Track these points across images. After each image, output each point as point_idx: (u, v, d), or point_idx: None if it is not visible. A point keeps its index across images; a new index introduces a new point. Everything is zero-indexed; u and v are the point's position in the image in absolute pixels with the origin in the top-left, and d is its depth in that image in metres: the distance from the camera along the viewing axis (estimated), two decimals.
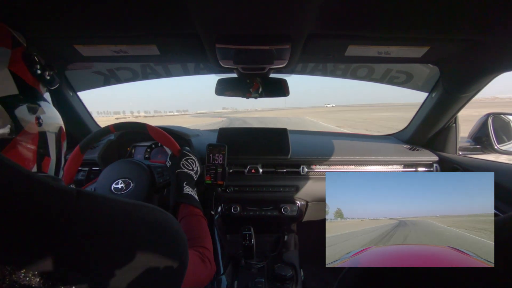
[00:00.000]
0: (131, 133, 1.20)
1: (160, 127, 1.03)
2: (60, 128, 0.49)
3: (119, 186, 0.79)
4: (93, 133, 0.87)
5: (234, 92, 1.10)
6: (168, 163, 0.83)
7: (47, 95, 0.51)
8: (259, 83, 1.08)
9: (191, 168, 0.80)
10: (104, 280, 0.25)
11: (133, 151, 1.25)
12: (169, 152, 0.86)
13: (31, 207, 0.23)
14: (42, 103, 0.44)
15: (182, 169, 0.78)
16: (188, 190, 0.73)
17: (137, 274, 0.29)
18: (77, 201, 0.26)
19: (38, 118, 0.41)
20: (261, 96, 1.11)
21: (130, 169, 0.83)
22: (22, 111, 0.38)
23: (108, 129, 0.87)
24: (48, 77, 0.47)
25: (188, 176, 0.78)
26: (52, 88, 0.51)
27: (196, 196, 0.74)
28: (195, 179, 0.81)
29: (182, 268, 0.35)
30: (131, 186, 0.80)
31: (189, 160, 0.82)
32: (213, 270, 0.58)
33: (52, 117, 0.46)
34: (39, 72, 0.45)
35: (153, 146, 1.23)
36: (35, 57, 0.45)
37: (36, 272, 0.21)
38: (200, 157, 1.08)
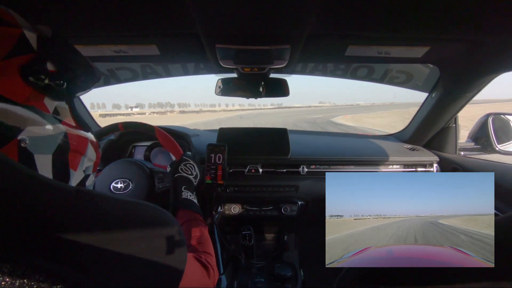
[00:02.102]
0: (133, 133, 1.20)
1: (161, 127, 1.03)
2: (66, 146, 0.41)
3: (118, 185, 0.80)
4: (103, 128, 0.88)
5: (234, 92, 1.11)
6: (169, 169, 0.82)
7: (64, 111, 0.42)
8: (259, 83, 1.08)
9: (190, 173, 0.78)
10: (102, 278, 0.25)
11: (133, 151, 1.25)
12: (173, 157, 0.86)
13: (30, 205, 0.23)
14: (35, 122, 0.36)
15: (181, 173, 0.76)
16: (186, 194, 0.70)
17: (136, 272, 0.29)
18: (76, 199, 0.26)
19: (20, 141, 0.34)
20: (261, 96, 1.11)
21: (132, 170, 0.83)
22: None
23: (116, 126, 0.86)
24: (58, 85, 0.39)
25: (186, 180, 0.75)
26: (72, 96, 0.43)
27: (195, 201, 0.71)
28: (195, 184, 0.79)
29: (180, 267, 0.35)
30: (130, 187, 0.80)
31: (187, 165, 0.79)
32: (216, 276, 0.55)
33: (54, 135, 0.39)
34: (45, 82, 0.37)
35: (153, 146, 1.23)
36: (43, 66, 0.36)
37: (35, 271, 0.21)
38: (200, 157, 1.08)
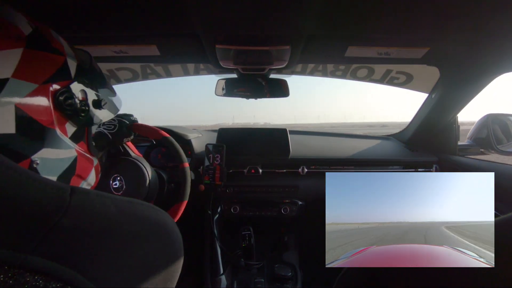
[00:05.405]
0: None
1: (159, 127, 1.03)
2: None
3: (117, 183, 0.79)
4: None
5: (234, 93, 1.11)
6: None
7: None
8: (259, 83, 1.09)
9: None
10: (98, 277, 0.25)
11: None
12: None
13: (24, 203, 0.23)
14: (52, 145, 0.38)
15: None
16: None
17: (131, 272, 0.29)
18: (71, 197, 0.26)
19: (32, 161, 0.36)
20: (261, 96, 1.11)
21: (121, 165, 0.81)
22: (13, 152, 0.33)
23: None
24: (83, 112, 0.42)
25: None
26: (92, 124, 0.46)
27: None
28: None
29: (177, 266, 0.35)
30: (124, 186, 0.79)
31: None
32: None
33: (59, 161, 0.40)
34: (74, 109, 0.40)
35: (153, 146, 1.22)
36: (74, 94, 0.39)
37: (30, 269, 0.21)
38: (199, 158, 1.08)
